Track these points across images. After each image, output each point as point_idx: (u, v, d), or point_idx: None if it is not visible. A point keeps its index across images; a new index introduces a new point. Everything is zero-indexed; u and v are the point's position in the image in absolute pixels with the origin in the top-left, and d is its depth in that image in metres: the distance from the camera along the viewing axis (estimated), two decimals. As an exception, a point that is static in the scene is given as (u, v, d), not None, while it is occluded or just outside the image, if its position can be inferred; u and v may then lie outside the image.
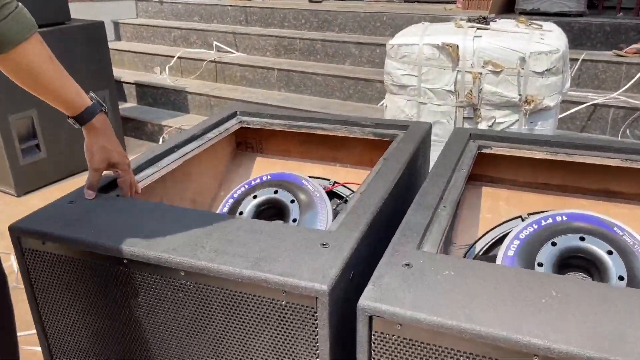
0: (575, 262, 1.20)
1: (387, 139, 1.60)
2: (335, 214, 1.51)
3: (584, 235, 1.19)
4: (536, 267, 1.17)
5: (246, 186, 1.50)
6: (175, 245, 0.99)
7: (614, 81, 3.37)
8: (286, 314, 0.92)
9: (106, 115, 1.18)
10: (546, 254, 1.18)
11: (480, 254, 1.43)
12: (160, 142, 4.20)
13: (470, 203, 1.54)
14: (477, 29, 2.12)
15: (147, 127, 4.43)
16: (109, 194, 1.23)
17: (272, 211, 1.45)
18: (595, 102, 3.12)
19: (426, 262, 0.93)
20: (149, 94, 4.75)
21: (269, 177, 1.50)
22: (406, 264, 0.92)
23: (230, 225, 1.06)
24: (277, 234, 1.02)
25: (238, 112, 1.78)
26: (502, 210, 1.52)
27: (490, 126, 2.06)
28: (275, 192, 1.44)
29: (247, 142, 1.84)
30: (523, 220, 1.46)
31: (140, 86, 4.77)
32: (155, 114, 4.55)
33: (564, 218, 1.24)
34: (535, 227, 1.24)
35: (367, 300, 0.84)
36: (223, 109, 4.41)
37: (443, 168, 1.31)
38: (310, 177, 1.71)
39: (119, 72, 5.01)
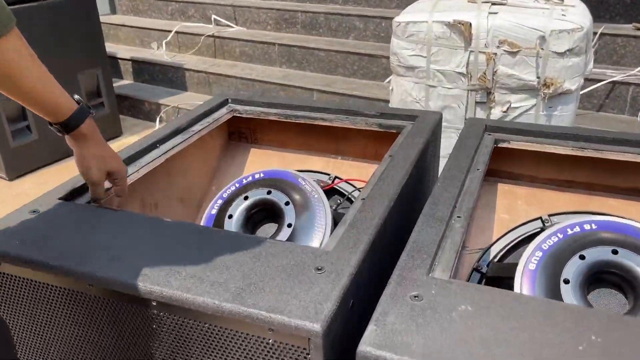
0: (606, 277, 1.06)
1: (394, 131, 1.44)
2: (336, 214, 1.37)
3: (617, 248, 1.04)
4: (562, 284, 1.03)
5: (237, 185, 1.35)
6: (147, 270, 0.86)
7: (634, 57, 3.17)
8: (274, 353, 0.79)
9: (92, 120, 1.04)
10: (573, 269, 1.04)
11: (495, 260, 1.29)
12: (157, 121, 4.05)
13: (485, 201, 1.40)
14: (492, 4, 1.94)
15: (143, 106, 4.28)
16: (77, 201, 1.09)
17: (264, 214, 1.31)
18: (613, 79, 2.94)
19: (439, 292, 0.79)
20: (145, 70, 4.57)
21: (262, 175, 1.35)
22: (415, 296, 0.78)
23: (211, 243, 0.92)
24: (264, 255, 0.88)
25: (229, 100, 1.62)
26: (520, 210, 1.38)
27: (504, 112, 1.90)
28: (269, 192, 1.30)
29: (240, 132, 1.69)
30: (543, 222, 1.32)
31: (136, 62, 4.59)
32: (152, 92, 4.38)
33: (594, 227, 1.09)
34: (561, 236, 1.09)
35: (369, 346, 0.70)
36: (222, 87, 4.25)
37: (456, 168, 1.16)
38: (309, 171, 1.57)
39: (114, 48, 4.83)
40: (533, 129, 1.34)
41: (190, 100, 4.20)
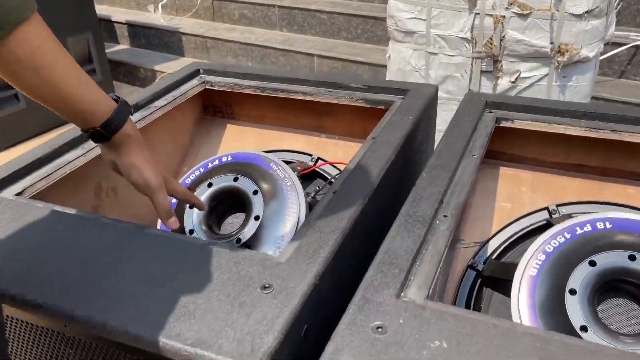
0: (621, 286, 0.90)
1: (382, 107, 1.27)
2: (315, 203, 1.21)
3: (636, 254, 0.87)
4: (567, 294, 0.87)
5: (201, 169, 1.20)
6: (62, 284, 0.71)
7: (660, 18, 2.92)
8: (206, 393, 0.64)
9: None
10: (582, 277, 0.87)
11: (494, 256, 1.13)
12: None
13: (484, 187, 1.23)
14: (502, -41, 1.72)
15: (139, 72, 4.10)
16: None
17: (230, 203, 1.15)
18: (636, 43, 2.70)
19: (408, 321, 0.63)
20: (141, 34, 4.38)
21: (229, 158, 1.19)
22: (378, 327, 0.63)
23: (143, 251, 0.77)
24: (204, 267, 0.73)
25: (201, 70, 1.45)
26: (524, 198, 1.21)
27: (513, 82, 1.70)
28: (235, 179, 1.14)
29: (215, 106, 1.52)
30: (550, 213, 1.15)
31: (132, 26, 4.39)
32: (148, 57, 4.20)
33: (608, 225, 0.92)
34: (568, 236, 0.93)
35: (312, 398, 0.55)
36: (220, 52, 4.05)
37: (447, 154, 0.99)
38: (289, 151, 1.41)
39: (109, 11, 4.63)
40: (541, 105, 1.15)
41: (187, 66, 4.01)
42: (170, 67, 3.96)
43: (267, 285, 0.69)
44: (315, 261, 0.73)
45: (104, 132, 0.77)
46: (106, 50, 3.81)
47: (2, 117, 3.23)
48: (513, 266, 0.98)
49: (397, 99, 1.25)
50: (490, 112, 1.17)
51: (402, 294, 0.69)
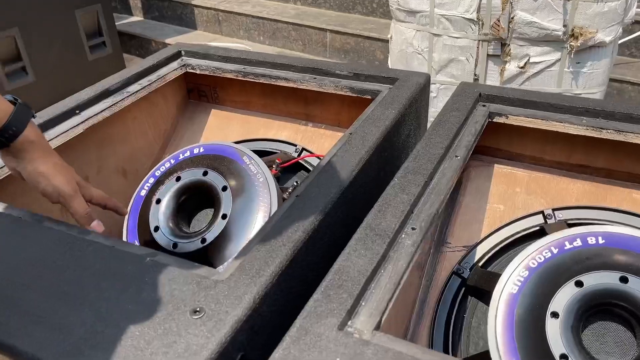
0: (610, 308, 0.81)
1: (368, 97, 1.18)
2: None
3: (628, 275, 0.78)
4: (548, 318, 0.78)
5: (172, 161, 1.13)
6: (-19, 299, 0.66)
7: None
8: None
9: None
10: (566, 299, 0.79)
11: (481, 263, 1.04)
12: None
13: (476, 187, 1.13)
14: None
15: (151, 46, 4.04)
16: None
17: (198, 200, 1.09)
18: (668, 22, 2.51)
19: (348, 360, 0.56)
20: (154, 6, 4.30)
21: (201, 149, 1.12)
22: (311, 367, 0.55)
23: (70, 260, 0.70)
24: (131, 283, 0.66)
25: (183, 52, 1.37)
26: (518, 200, 1.11)
27: (521, 67, 1.58)
28: (205, 173, 1.07)
29: (200, 89, 1.44)
30: (545, 218, 1.06)
31: (145, -2, 4.32)
32: (161, 30, 4.13)
33: (600, 241, 0.83)
34: (555, 251, 0.84)
35: None
36: (231, 25, 3.95)
37: (425, 156, 0.89)
38: (273, 140, 1.33)
39: (122, -19, 4.55)
40: (539, 100, 1.05)
41: (199, 39, 3.94)
42: (181, 41, 3.88)
43: (197, 310, 0.62)
44: (257, 281, 0.66)
45: (1, 139, 0.70)
46: (119, 22, 3.76)
47: (11, 90, 3.21)
48: (498, 278, 0.90)
49: (384, 88, 1.15)
50: (484, 105, 1.07)
51: (349, 324, 0.61)
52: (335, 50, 3.46)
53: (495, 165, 1.15)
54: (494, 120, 1.05)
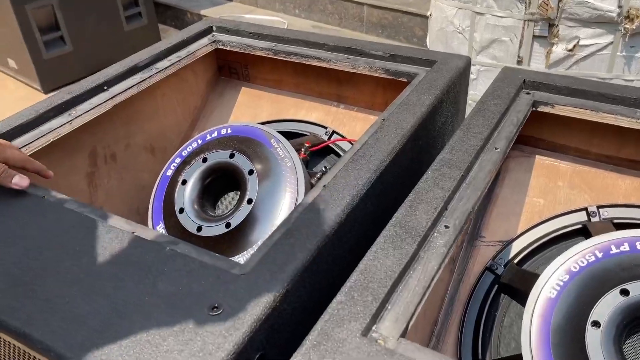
0: (657, 320, 0.75)
1: (404, 79, 1.12)
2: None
3: (680, 286, 0.72)
4: (588, 327, 0.73)
5: (199, 141, 1.10)
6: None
7: None
8: None
9: None
10: (609, 308, 0.73)
11: (517, 260, 0.99)
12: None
13: (515, 179, 1.07)
14: None
15: (186, 17, 4.01)
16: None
17: (223, 182, 1.06)
18: None
19: (370, 370, 0.53)
20: (191, -24, 4.25)
21: (228, 130, 1.09)
22: (331, 377, 0.52)
23: (88, 244, 0.69)
24: (149, 273, 0.64)
25: (214, 28, 1.33)
26: (560, 194, 1.05)
27: (570, 50, 1.49)
28: (232, 155, 1.04)
29: (231, 66, 1.41)
30: (589, 216, 0.99)
31: (182, -33, 4.27)
32: (196, 1, 4.09)
33: (651, 246, 0.77)
34: (600, 255, 0.78)
35: None
36: (268, -3, 3.88)
37: (462, 147, 0.84)
38: (303, 121, 1.29)
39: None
40: (589, 89, 0.97)
41: (234, 11, 3.89)
42: (216, 12, 3.84)
43: (215, 306, 0.60)
44: (279, 277, 0.63)
45: None
46: (155, -7, 3.73)
47: (48, 59, 3.24)
48: (534, 277, 0.85)
49: (421, 71, 1.09)
50: (528, 93, 1.00)
51: (373, 329, 0.58)
52: (372, 25, 3.37)
53: (537, 156, 1.08)
54: (539, 109, 0.99)
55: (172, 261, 0.66)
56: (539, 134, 1.06)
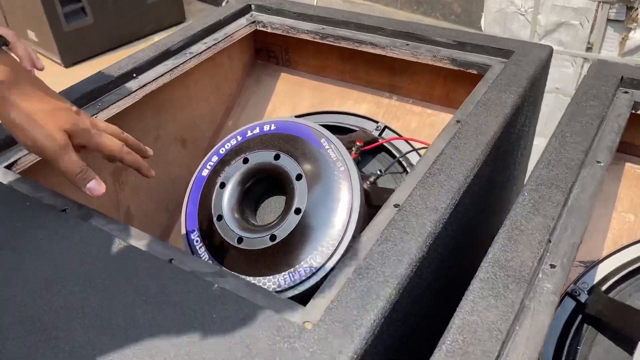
0: None
1: (473, 71, 0.98)
2: (373, 190, 0.97)
3: None
4: None
5: (238, 138, 0.97)
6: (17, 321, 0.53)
7: None
8: None
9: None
10: None
11: (604, 287, 0.86)
12: (224, 4, 3.63)
13: (602, 190, 0.93)
14: None
15: (211, -12, 3.85)
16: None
17: (265, 185, 0.93)
18: None
19: None
20: (216, -55, 4.07)
21: (272, 127, 0.95)
22: None
23: (115, 273, 0.57)
24: (190, 317, 0.52)
25: (253, 7, 1.19)
26: (654, 210, 0.91)
27: (649, 37, 1.32)
28: (277, 157, 0.91)
29: (269, 49, 1.27)
30: (691, 237, 0.85)
31: (206, -64, 4.09)
32: (221, -28, 3.92)
33: None
34: None
35: None
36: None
37: (559, 162, 0.70)
38: (353, 114, 1.15)
39: None
40: (703, 90, 0.82)
41: (260, -17, 3.71)
42: (242, -16, 3.67)
43: (279, 372, 0.48)
44: (355, 333, 0.51)
45: None
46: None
47: (68, 32, 3.12)
48: (631, 312, 0.72)
49: (495, 62, 0.95)
50: (627, 91, 0.86)
51: (479, 408, 0.46)
52: (407, 0, 3.18)
53: (627, 164, 0.94)
54: (639, 112, 0.84)
55: (221, 302, 0.54)
56: (631, 139, 0.92)
